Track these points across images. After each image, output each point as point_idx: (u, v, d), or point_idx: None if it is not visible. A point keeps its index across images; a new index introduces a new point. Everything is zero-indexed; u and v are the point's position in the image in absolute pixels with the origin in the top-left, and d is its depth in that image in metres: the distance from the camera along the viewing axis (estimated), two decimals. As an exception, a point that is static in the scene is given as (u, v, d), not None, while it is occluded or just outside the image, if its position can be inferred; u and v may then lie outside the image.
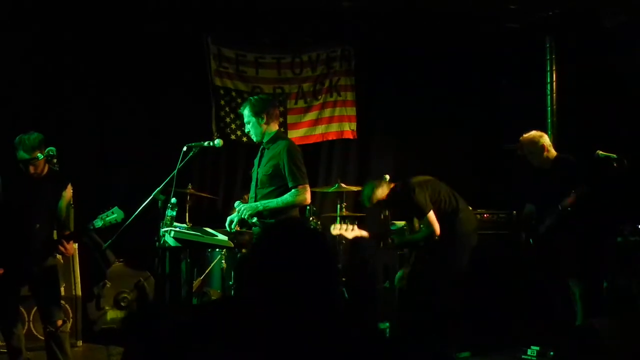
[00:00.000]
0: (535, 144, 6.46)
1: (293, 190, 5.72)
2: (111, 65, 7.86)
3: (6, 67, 7.36)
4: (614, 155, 5.93)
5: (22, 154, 5.47)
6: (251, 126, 5.94)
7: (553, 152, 6.47)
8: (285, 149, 5.81)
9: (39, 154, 5.43)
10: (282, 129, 8.51)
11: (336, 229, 6.76)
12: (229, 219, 5.92)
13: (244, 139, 7.80)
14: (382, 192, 6.60)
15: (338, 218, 7.61)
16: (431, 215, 6.45)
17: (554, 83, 8.05)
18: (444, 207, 6.56)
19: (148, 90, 8.04)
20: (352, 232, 6.79)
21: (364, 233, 6.84)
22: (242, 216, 5.80)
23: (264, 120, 5.88)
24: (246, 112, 5.95)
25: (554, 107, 8.04)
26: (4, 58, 7.34)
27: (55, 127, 6.53)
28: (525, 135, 6.58)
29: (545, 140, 6.52)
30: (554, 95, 8.05)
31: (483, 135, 8.64)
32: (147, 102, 8.07)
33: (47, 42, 7.59)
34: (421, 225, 6.59)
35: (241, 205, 5.85)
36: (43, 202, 5.61)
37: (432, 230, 6.45)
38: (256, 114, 5.88)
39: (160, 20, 7.93)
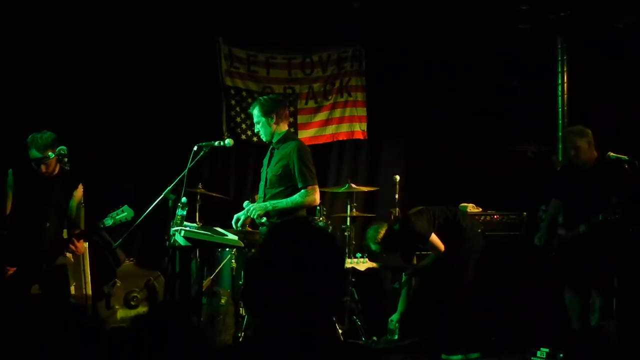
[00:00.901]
0: (585, 137, 6.20)
1: (302, 190, 5.75)
2: (123, 65, 7.87)
3: (21, 67, 7.39)
4: (625, 157, 5.89)
5: (35, 153, 5.51)
6: (261, 126, 5.97)
7: (595, 152, 6.25)
8: (296, 150, 5.83)
9: (50, 153, 5.47)
10: (292, 129, 8.53)
11: (348, 264, 6.93)
12: (235, 217, 5.95)
13: (255, 138, 7.78)
14: (384, 231, 6.77)
15: (348, 219, 7.60)
16: (434, 237, 6.61)
17: (565, 84, 8.01)
18: (444, 223, 6.74)
19: (159, 91, 8.04)
20: (364, 265, 6.90)
21: (375, 264, 7.10)
22: (251, 216, 5.83)
23: (274, 120, 5.91)
24: (255, 112, 5.98)
25: (565, 108, 8.01)
26: (14, 59, 7.36)
27: (65, 126, 6.54)
28: (573, 127, 6.36)
29: (592, 137, 6.27)
30: (565, 96, 8.01)
31: (494, 137, 8.62)
32: (158, 102, 8.08)
33: (60, 42, 7.62)
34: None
35: (250, 205, 5.88)
36: (54, 201, 5.65)
37: (439, 251, 6.63)
38: (266, 113, 5.92)
39: (172, 20, 7.94)
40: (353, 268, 6.95)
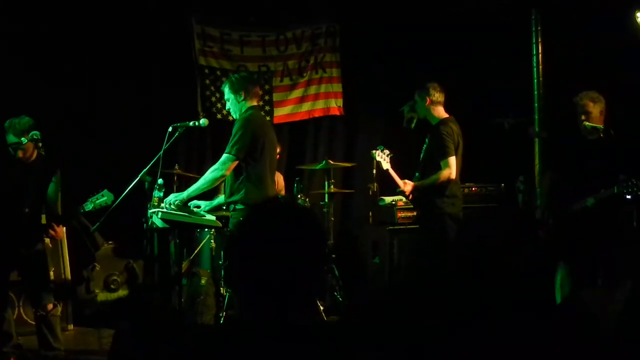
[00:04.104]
0: (599, 104, 5.95)
1: (222, 157, 5.69)
2: (97, 45, 7.80)
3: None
4: (601, 127, 5.88)
5: (12, 138, 5.49)
6: (230, 103, 5.96)
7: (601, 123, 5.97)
8: (240, 119, 5.80)
9: (23, 139, 5.42)
10: (266, 106, 8.50)
11: (378, 155, 6.66)
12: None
13: (230, 117, 7.76)
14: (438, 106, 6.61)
15: (326, 196, 7.60)
16: (453, 160, 6.31)
17: (540, 55, 8.01)
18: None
19: (133, 71, 7.98)
20: (386, 164, 6.65)
21: (394, 175, 6.57)
22: (167, 208, 5.64)
23: (242, 97, 5.88)
24: (226, 90, 5.97)
25: (541, 79, 8.01)
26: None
27: (41, 110, 6.46)
28: (589, 92, 6.02)
29: (605, 106, 6.01)
30: (540, 67, 8.01)
31: (470, 109, 8.60)
32: (133, 83, 8.01)
33: (33, 24, 7.53)
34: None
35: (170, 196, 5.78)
36: (32, 187, 5.60)
37: (448, 175, 6.29)
38: (235, 91, 5.89)
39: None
40: (378, 162, 6.66)
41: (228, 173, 5.70)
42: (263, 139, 5.81)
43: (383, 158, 6.64)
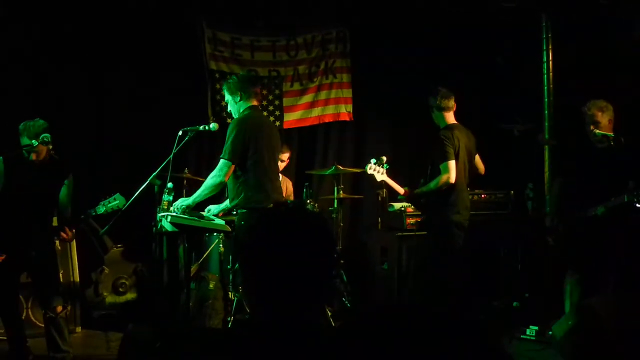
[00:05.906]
0: (607, 113, 5.94)
1: (219, 162, 5.65)
2: (108, 50, 7.83)
3: (4, 50, 7.34)
4: (611, 134, 5.85)
5: (25, 140, 5.53)
6: (230, 105, 5.95)
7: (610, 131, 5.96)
8: (233, 121, 5.78)
9: (34, 141, 5.45)
10: (276, 111, 8.49)
11: (370, 168, 6.59)
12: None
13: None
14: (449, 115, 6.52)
15: (335, 201, 7.59)
16: (452, 163, 6.18)
17: (551, 62, 8.00)
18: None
19: (144, 75, 8.00)
20: (381, 175, 6.62)
21: (392, 183, 6.54)
22: (175, 212, 5.65)
23: (239, 98, 5.84)
24: (225, 92, 5.96)
25: (551, 86, 8.00)
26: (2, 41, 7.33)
27: (52, 113, 6.50)
28: (597, 101, 6.01)
29: (613, 114, 5.99)
30: (551, 74, 8.00)
31: (480, 115, 8.60)
32: (144, 87, 8.03)
33: (44, 26, 7.58)
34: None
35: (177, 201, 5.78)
36: (44, 189, 5.62)
37: (448, 179, 6.16)
38: (232, 92, 5.89)
39: (157, 3, 7.89)
40: (372, 175, 6.59)
41: (227, 178, 5.67)
42: (259, 140, 5.76)
43: (376, 170, 6.58)
